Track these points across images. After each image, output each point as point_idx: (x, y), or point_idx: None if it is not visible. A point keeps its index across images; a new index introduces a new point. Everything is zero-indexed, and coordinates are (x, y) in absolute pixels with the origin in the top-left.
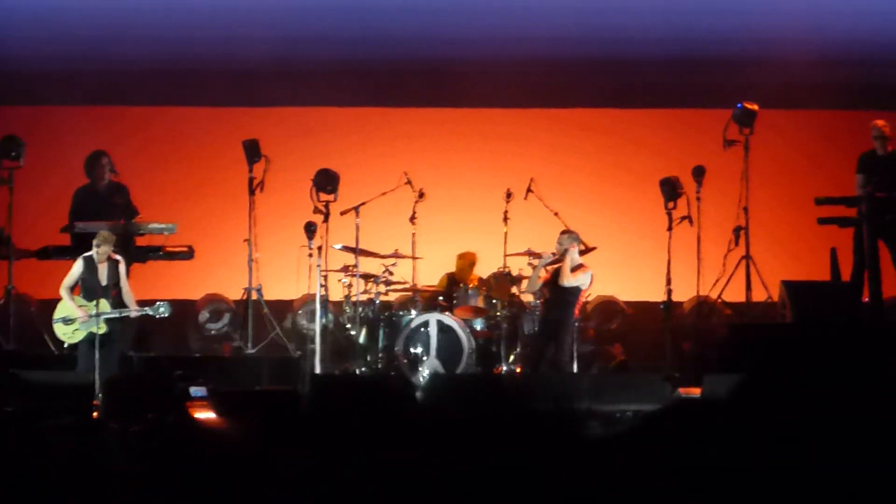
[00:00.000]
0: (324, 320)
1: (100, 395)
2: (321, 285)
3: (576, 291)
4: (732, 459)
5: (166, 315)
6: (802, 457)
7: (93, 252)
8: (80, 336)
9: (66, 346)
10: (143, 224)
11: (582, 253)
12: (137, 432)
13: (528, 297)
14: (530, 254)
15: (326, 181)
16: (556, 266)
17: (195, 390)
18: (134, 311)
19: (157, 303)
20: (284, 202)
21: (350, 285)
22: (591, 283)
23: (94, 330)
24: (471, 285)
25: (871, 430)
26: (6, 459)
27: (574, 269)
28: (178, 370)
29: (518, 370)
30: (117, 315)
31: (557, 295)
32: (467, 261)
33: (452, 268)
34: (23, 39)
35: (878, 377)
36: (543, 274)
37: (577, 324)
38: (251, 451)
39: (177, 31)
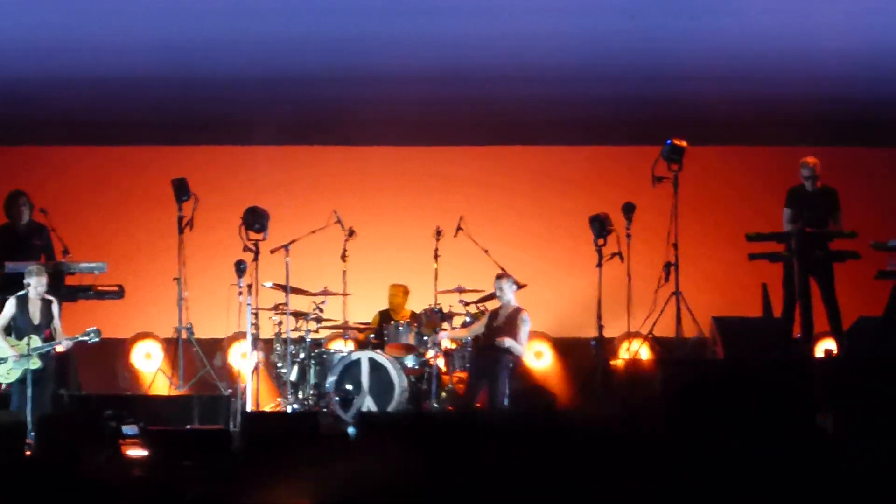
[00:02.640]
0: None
1: (32, 433)
2: (252, 323)
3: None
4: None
5: (97, 340)
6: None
7: (26, 290)
8: (15, 375)
9: (2, 386)
10: (73, 263)
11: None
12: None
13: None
14: (461, 290)
15: (255, 219)
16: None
17: (127, 429)
18: (65, 341)
19: (88, 329)
20: (214, 241)
21: (280, 323)
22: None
23: (27, 367)
24: (402, 320)
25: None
26: None
27: (515, 317)
28: (109, 409)
29: (449, 408)
30: (49, 348)
31: (493, 334)
32: (400, 291)
33: (383, 305)
34: None
35: (808, 424)
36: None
37: (511, 363)
38: (185, 488)
39: (102, 70)
